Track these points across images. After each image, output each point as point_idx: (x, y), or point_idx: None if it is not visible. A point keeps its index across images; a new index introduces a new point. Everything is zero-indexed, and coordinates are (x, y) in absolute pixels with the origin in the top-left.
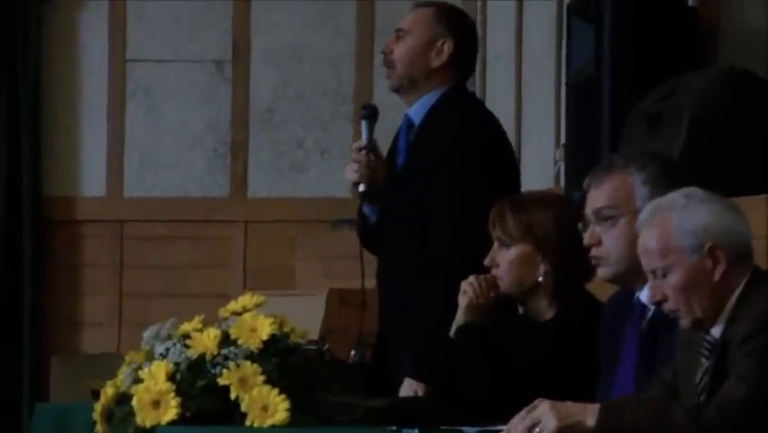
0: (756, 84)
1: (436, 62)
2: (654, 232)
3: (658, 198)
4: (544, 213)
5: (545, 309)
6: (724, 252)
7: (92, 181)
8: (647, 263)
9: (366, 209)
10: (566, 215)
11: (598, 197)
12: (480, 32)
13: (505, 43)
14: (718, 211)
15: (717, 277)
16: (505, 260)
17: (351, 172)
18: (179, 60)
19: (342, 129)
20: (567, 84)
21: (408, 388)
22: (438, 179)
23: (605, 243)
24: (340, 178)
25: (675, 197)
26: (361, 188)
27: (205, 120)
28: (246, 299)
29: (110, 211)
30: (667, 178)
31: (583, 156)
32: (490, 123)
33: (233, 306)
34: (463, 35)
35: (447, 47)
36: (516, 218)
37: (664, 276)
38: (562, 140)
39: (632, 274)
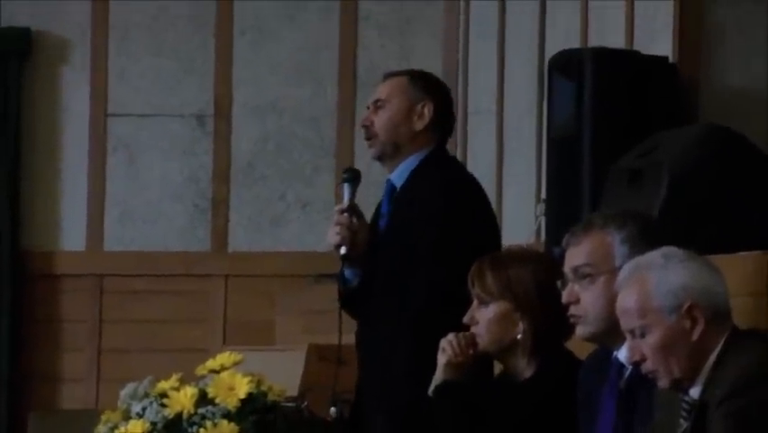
0: (736, 142)
1: (419, 125)
2: (633, 291)
3: (637, 256)
4: (524, 270)
5: (524, 368)
6: (702, 311)
7: (72, 236)
8: (626, 323)
9: (347, 272)
10: (545, 272)
11: (576, 255)
12: (461, 87)
13: (486, 98)
14: (696, 271)
15: (695, 337)
16: (484, 317)
17: (332, 235)
18: (161, 115)
19: (323, 183)
20: (548, 139)
21: None
22: (418, 239)
23: (583, 301)
24: (321, 232)
25: (654, 256)
26: (343, 250)
27: (185, 174)
28: (224, 357)
29: (90, 265)
30: (646, 236)
31: (564, 211)
32: (470, 183)
33: (211, 364)
34: (441, 97)
35: (428, 109)
36: (495, 276)
37: (643, 336)
38: (543, 195)
39: (610, 333)
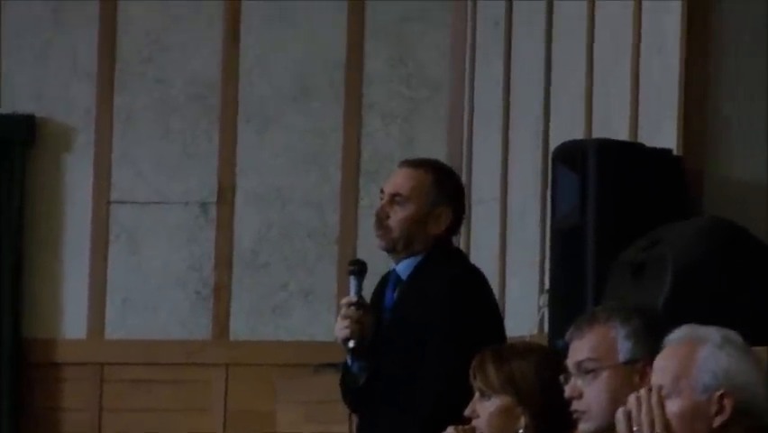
0: (740, 236)
1: (435, 230)
2: (679, 353)
3: (642, 351)
4: (526, 364)
5: None
6: (733, 404)
7: (73, 323)
8: (657, 378)
9: (355, 366)
10: (548, 366)
11: (580, 349)
12: (465, 175)
13: (490, 188)
14: (746, 364)
15: (715, 424)
16: (485, 411)
17: (341, 329)
18: (164, 202)
19: (326, 272)
20: (552, 230)
21: None
22: (427, 335)
23: (586, 396)
24: (323, 321)
25: (713, 332)
26: (351, 344)
27: (188, 262)
28: None
29: (90, 354)
30: (651, 331)
31: (567, 303)
32: (475, 277)
33: None
34: (459, 202)
35: (446, 216)
36: (497, 369)
37: (667, 396)
38: (547, 285)
39: (613, 429)
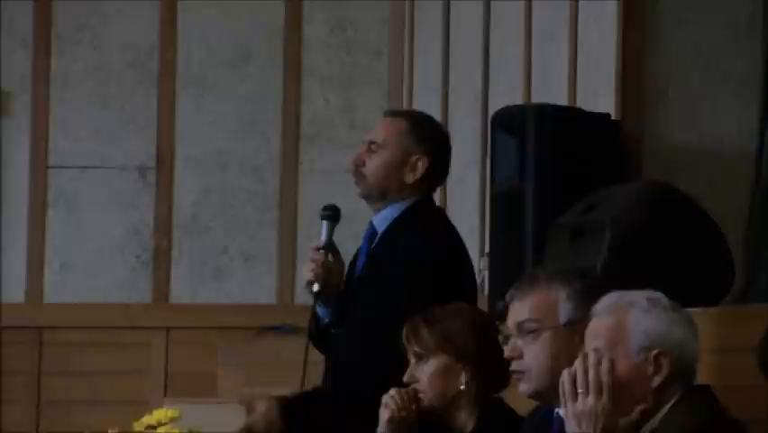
0: (679, 199)
1: (410, 178)
2: (610, 321)
3: (581, 312)
4: (460, 322)
5: (466, 420)
6: (669, 362)
7: (12, 288)
8: (591, 343)
9: (320, 310)
10: (481, 322)
11: (521, 310)
12: None
13: None
14: (676, 322)
15: (654, 384)
16: (425, 374)
17: (306, 272)
18: (103, 167)
19: (266, 236)
20: (491, 194)
21: None
22: (392, 288)
23: (526, 356)
24: (264, 284)
25: (638, 297)
26: (315, 288)
27: (128, 226)
28: (161, 413)
29: (29, 318)
30: (591, 294)
31: (507, 266)
32: (449, 240)
33: (148, 419)
34: (438, 150)
35: (421, 163)
36: (430, 330)
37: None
38: (486, 249)
39: (552, 390)
